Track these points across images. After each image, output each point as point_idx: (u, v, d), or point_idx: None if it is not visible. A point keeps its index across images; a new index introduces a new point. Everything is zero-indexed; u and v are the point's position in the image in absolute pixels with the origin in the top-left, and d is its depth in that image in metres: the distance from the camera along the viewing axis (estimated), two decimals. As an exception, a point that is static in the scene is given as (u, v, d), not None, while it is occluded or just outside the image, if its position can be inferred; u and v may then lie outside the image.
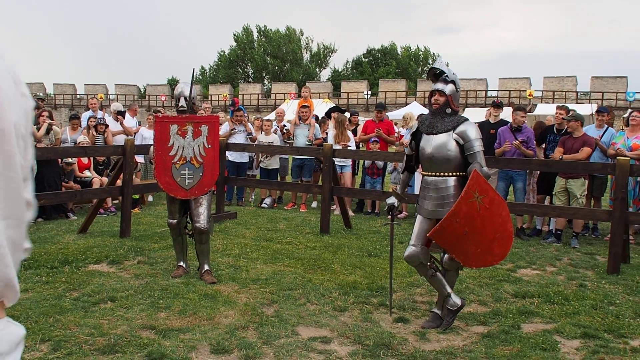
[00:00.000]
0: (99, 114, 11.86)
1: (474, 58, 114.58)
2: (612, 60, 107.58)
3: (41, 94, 50.89)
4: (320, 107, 25.97)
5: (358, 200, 10.82)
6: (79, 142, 9.57)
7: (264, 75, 69.56)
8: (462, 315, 4.84)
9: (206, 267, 5.83)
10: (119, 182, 8.04)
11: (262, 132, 11.27)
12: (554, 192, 8.35)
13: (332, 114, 11.29)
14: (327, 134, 10.87)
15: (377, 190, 10.00)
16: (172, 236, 6.07)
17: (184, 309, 4.81)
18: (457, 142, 4.56)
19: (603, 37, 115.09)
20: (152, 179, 10.31)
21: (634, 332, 4.59)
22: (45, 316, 4.46)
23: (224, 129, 10.75)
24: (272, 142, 10.88)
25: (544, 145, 9.05)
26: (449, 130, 4.60)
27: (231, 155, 10.60)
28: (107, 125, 10.62)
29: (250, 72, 71.49)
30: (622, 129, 9.06)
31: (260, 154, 11.05)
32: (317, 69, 71.15)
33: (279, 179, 11.40)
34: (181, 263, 6.01)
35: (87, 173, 9.91)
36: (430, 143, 4.66)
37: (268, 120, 11.81)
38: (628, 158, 6.98)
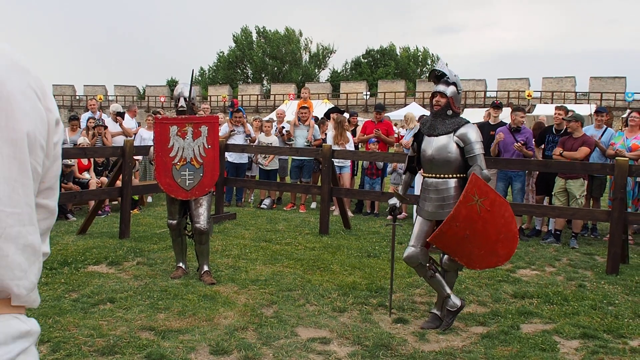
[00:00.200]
0: (97, 115, 11.86)
1: (473, 58, 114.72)
2: (610, 60, 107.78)
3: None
4: (320, 107, 25.97)
5: (357, 200, 10.82)
6: (80, 144, 9.57)
7: (263, 76, 69.59)
8: (461, 316, 4.84)
9: (205, 268, 5.83)
10: (118, 183, 8.04)
11: (262, 133, 11.28)
12: (553, 193, 8.36)
13: (331, 115, 11.30)
14: (326, 134, 10.88)
15: (376, 191, 10.00)
16: (172, 237, 6.07)
17: (183, 309, 4.81)
18: (458, 145, 4.56)
19: (602, 38, 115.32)
20: (151, 179, 10.33)
21: (633, 332, 4.60)
22: (44, 317, 4.46)
23: (223, 129, 10.75)
24: (271, 144, 10.87)
25: (542, 146, 9.05)
26: (449, 132, 4.60)
27: (230, 156, 10.60)
28: (105, 127, 10.62)
29: (249, 73, 71.52)
30: (621, 130, 9.07)
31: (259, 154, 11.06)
32: (316, 70, 71.18)
33: (278, 179, 11.41)
34: (180, 264, 6.01)
35: (86, 175, 9.90)
36: (431, 145, 4.66)
37: (268, 121, 11.82)
38: (627, 158, 6.98)
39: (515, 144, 8.43)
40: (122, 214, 7.77)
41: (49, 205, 1.29)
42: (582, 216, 7.75)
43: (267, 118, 13.95)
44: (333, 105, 20.26)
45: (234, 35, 70.83)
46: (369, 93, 51.93)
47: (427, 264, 4.66)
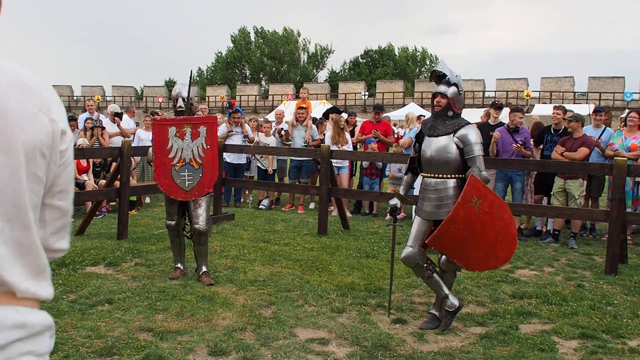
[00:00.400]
0: (95, 115, 11.84)
1: (472, 58, 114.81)
2: (609, 60, 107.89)
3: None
4: (318, 108, 25.93)
5: (356, 201, 10.81)
6: (78, 145, 9.55)
7: (262, 76, 69.58)
8: (460, 316, 4.84)
9: (204, 269, 5.82)
10: (116, 184, 8.03)
11: (262, 133, 11.29)
12: (552, 193, 8.35)
13: (330, 115, 11.29)
14: (324, 135, 10.87)
15: (375, 192, 10.00)
16: (170, 238, 6.05)
17: (181, 310, 4.80)
18: (458, 146, 4.56)
19: (600, 38, 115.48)
20: (150, 180, 10.32)
21: (632, 332, 4.59)
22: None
23: (221, 130, 10.73)
24: (268, 144, 10.89)
25: (541, 146, 9.05)
26: (449, 133, 4.59)
27: (229, 157, 10.60)
28: (103, 128, 10.60)
29: (247, 74, 71.51)
30: (620, 130, 9.07)
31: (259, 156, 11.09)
32: (315, 70, 71.19)
33: (276, 180, 11.40)
34: (179, 265, 6.00)
35: (84, 176, 9.88)
36: (431, 145, 4.66)
37: (268, 121, 11.83)
38: (625, 158, 6.98)
39: (514, 144, 8.43)
40: (120, 215, 7.76)
41: (62, 207, 1.45)
42: (580, 216, 7.75)
43: (267, 117, 13.96)
44: (331, 106, 20.24)
45: (232, 36, 70.86)
46: (367, 93, 51.93)
47: (425, 265, 4.65)
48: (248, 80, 68.95)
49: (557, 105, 9.61)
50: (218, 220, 8.94)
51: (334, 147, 9.27)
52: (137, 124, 12.88)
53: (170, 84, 64.08)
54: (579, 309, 5.14)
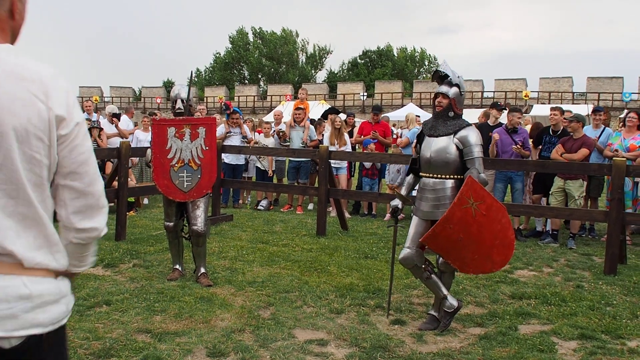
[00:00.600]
0: (94, 116, 11.83)
1: (470, 59, 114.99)
2: (608, 61, 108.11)
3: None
4: (316, 109, 25.91)
5: (354, 202, 10.81)
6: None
7: (260, 77, 69.60)
8: (459, 317, 4.83)
9: (202, 270, 5.80)
10: (114, 185, 8.01)
11: (261, 134, 11.29)
12: (550, 192, 8.35)
13: (329, 116, 11.28)
14: (323, 135, 10.86)
15: (374, 192, 10.00)
16: (168, 239, 6.04)
17: (179, 312, 4.78)
18: (457, 147, 4.55)
19: (599, 38, 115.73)
20: (148, 181, 10.30)
21: (631, 332, 4.59)
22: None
23: (220, 131, 10.71)
24: (267, 146, 10.89)
25: (540, 147, 9.04)
26: (450, 133, 4.58)
27: (227, 158, 10.58)
28: (101, 129, 10.59)
29: (245, 74, 71.53)
30: (619, 130, 9.07)
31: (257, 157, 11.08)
32: (313, 71, 71.22)
33: (275, 181, 11.38)
34: (177, 266, 5.98)
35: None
36: (431, 145, 4.64)
37: (267, 122, 11.82)
38: (624, 159, 6.97)
39: (514, 146, 8.44)
40: (118, 216, 7.75)
41: (75, 186, 1.58)
42: (579, 216, 7.74)
43: (262, 118, 13.95)
44: (330, 106, 20.22)
45: (230, 36, 70.86)
46: (366, 94, 51.97)
47: (423, 266, 4.64)
48: (246, 81, 68.96)
49: (554, 106, 9.60)
50: (216, 221, 8.93)
51: (332, 148, 9.26)
52: (136, 125, 12.86)
53: (168, 85, 64.11)
54: (578, 309, 5.14)
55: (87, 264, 1.77)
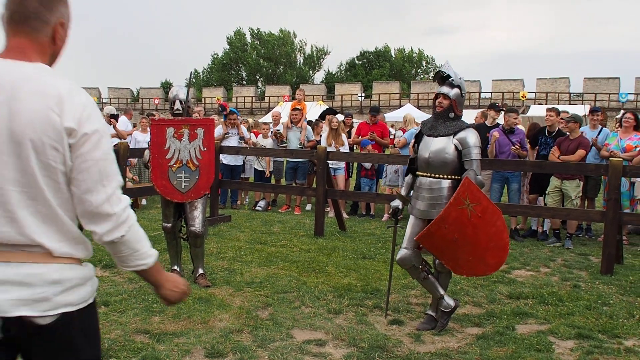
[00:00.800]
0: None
1: (468, 59, 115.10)
2: (604, 61, 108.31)
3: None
4: (314, 109, 25.91)
5: (352, 202, 10.81)
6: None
7: (258, 77, 69.57)
8: (456, 317, 4.85)
9: (200, 271, 5.81)
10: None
11: (260, 135, 11.29)
12: (547, 192, 8.37)
13: (326, 117, 11.30)
14: (321, 136, 10.87)
15: (371, 193, 10.01)
16: (167, 240, 6.05)
17: (178, 312, 4.79)
18: (456, 147, 4.56)
19: (596, 39, 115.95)
20: (146, 182, 10.30)
21: (627, 332, 4.61)
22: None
23: (217, 132, 10.72)
24: (265, 147, 10.89)
25: (537, 147, 9.07)
26: (449, 134, 4.59)
27: (225, 159, 10.59)
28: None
29: (243, 75, 71.50)
30: (615, 130, 9.10)
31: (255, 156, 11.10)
32: (311, 72, 71.23)
33: (273, 181, 11.40)
34: (175, 267, 5.99)
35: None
36: (430, 145, 4.65)
37: (265, 123, 11.82)
38: (621, 159, 7.00)
39: (512, 147, 8.46)
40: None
41: (74, 192, 1.75)
42: (576, 217, 7.76)
43: (257, 120, 13.97)
44: (327, 107, 20.21)
45: (228, 37, 70.83)
46: (363, 95, 51.98)
47: (420, 266, 4.65)
48: (244, 82, 68.92)
49: (550, 107, 9.62)
50: (214, 222, 8.93)
51: (329, 149, 9.27)
52: (135, 125, 12.86)
53: (166, 86, 64.06)
54: (575, 309, 5.15)
55: (133, 266, 1.92)
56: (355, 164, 11.35)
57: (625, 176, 7.24)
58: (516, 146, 8.45)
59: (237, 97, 56.87)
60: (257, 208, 10.86)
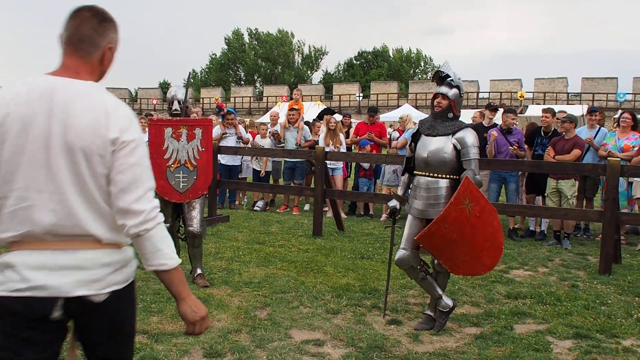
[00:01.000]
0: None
1: (466, 59, 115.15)
2: (602, 61, 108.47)
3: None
4: (312, 109, 25.94)
5: (350, 202, 10.82)
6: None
7: (256, 78, 69.53)
8: (454, 317, 4.85)
9: (199, 271, 5.81)
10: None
11: (258, 135, 11.29)
12: (545, 194, 8.38)
13: (324, 117, 11.31)
14: (319, 136, 10.88)
15: (370, 193, 10.01)
16: (165, 240, 6.02)
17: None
18: (455, 147, 4.57)
19: (594, 39, 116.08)
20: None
21: (625, 331, 4.62)
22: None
23: (215, 132, 10.72)
24: (263, 147, 10.89)
25: (534, 148, 9.07)
26: (448, 134, 4.60)
27: (223, 159, 10.58)
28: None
29: (241, 75, 71.46)
30: (613, 130, 9.12)
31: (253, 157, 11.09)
32: (309, 72, 71.21)
33: (271, 181, 11.39)
34: (174, 267, 5.97)
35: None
36: (428, 145, 4.65)
37: (263, 123, 11.82)
38: (619, 159, 7.01)
39: (510, 147, 8.47)
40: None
41: (111, 190, 2.00)
42: (574, 216, 7.78)
43: (254, 120, 13.96)
44: (325, 107, 20.24)
45: (226, 38, 70.80)
46: (361, 95, 51.98)
47: (419, 267, 4.65)
48: (242, 82, 68.89)
49: (546, 107, 9.63)
50: (213, 222, 8.93)
51: (327, 149, 9.27)
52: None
53: (164, 86, 64.05)
54: (573, 309, 5.16)
55: (155, 265, 2.12)
56: (354, 164, 11.35)
57: (623, 176, 7.25)
58: (514, 146, 8.46)
59: (235, 98, 56.85)
60: (255, 208, 10.86)
